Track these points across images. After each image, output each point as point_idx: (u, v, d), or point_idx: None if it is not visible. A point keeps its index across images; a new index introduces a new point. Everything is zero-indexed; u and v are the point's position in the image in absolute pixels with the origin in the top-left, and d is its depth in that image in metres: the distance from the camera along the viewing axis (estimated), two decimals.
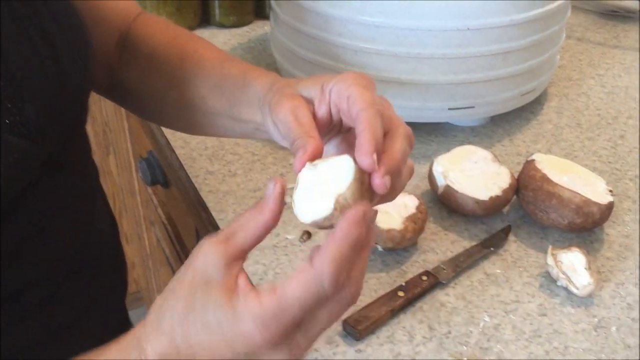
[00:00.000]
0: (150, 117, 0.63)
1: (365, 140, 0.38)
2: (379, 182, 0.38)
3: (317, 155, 0.40)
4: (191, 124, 0.57)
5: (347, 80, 0.42)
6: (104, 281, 0.58)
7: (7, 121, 0.39)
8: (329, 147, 0.46)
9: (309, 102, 0.44)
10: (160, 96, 0.57)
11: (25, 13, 0.42)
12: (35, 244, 0.47)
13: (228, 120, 0.53)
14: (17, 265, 0.45)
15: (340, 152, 0.45)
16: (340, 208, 0.37)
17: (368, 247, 0.38)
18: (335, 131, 0.46)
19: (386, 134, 0.41)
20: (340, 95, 0.42)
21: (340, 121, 0.44)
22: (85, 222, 0.54)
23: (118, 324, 0.63)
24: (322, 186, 0.38)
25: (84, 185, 0.54)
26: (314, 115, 0.43)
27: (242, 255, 0.38)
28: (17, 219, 0.44)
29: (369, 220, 0.36)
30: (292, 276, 0.35)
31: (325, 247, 0.35)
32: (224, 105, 0.52)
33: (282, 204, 0.38)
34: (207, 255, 0.37)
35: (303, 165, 0.39)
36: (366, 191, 0.38)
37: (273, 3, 0.83)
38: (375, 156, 0.38)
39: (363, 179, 0.38)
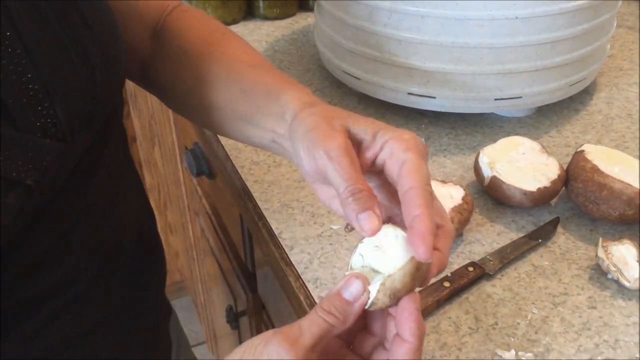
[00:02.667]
0: (179, 111, 0.63)
1: (425, 231, 0.37)
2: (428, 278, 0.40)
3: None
4: (214, 124, 0.57)
5: (404, 141, 0.41)
6: (142, 276, 0.57)
7: (38, 124, 0.39)
8: None
9: (357, 142, 0.43)
10: (188, 93, 0.57)
11: (56, 17, 0.42)
12: (70, 242, 0.47)
13: (248, 126, 0.52)
14: (53, 264, 0.46)
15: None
16: (389, 290, 0.38)
17: None
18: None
19: (438, 227, 0.41)
20: (393, 155, 0.41)
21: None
22: (119, 217, 0.53)
23: (159, 318, 0.63)
24: (377, 258, 0.40)
25: (119, 180, 0.54)
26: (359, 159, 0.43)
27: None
28: (51, 218, 0.44)
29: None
30: None
31: (408, 349, 0.37)
32: (247, 110, 0.52)
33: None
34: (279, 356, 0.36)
35: (376, 232, 0.39)
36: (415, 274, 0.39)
37: None
38: (430, 247, 0.38)
39: (415, 265, 0.39)
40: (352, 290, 0.38)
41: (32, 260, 0.44)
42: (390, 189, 0.44)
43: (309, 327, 0.37)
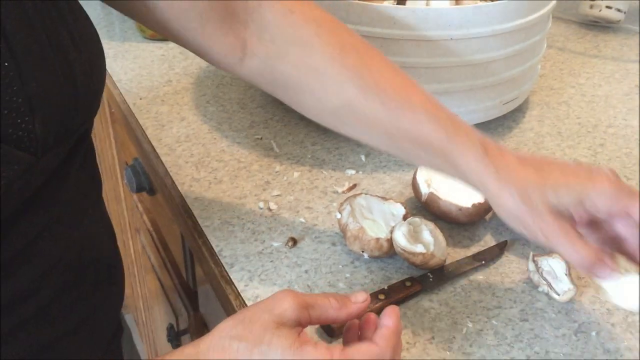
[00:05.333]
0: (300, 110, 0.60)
1: None
2: None
3: None
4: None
5: (610, 190, 0.47)
6: (101, 292, 0.57)
7: (14, 136, 0.39)
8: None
9: (563, 210, 0.48)
10: (331, 111, 0.56)
11: (46, 33, 0.42)
12: (33, 253, 0.46)
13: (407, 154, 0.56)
14: (14, 275, 0.45)
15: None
16: None
17: None
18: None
19: None
20: (612, 211, 0.48)
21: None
22: (83, 231, 0.53)
23: (113, 335, 0.62)
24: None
25: (85, 196, 0.54)
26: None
27: (309, 320, 0.45)
28: (17, 228, 0.44)
29: None
30: (360, 343, 0.45)
31: (384, 333, 0.45)
32: (397, 154, 0.58)
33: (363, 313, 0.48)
34: (288, 304, 0.44)
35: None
36: None
37: None
38: None
39: None
40: (358, 296, 0.47)
41: None
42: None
43: (314, 294, 0.47)
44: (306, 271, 0.62)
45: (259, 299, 0.58)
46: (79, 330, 0.54)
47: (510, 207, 0.49)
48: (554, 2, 0.81)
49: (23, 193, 0.43)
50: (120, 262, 0.63)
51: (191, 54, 0.58)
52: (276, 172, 0.75)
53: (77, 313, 0.53)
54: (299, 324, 0.44)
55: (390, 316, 0.45)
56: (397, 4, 0.75)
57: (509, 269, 0.63)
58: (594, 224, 0.51)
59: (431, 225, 0.63)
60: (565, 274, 0.59)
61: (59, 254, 0.49)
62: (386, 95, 0.53)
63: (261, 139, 0.81)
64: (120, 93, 0.92)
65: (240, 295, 0.59)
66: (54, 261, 0.49)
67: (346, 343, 0.47)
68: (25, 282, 0.47)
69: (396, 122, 0.52)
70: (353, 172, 0.76)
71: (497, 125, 0.85)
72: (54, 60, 0.42)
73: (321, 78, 0.54)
